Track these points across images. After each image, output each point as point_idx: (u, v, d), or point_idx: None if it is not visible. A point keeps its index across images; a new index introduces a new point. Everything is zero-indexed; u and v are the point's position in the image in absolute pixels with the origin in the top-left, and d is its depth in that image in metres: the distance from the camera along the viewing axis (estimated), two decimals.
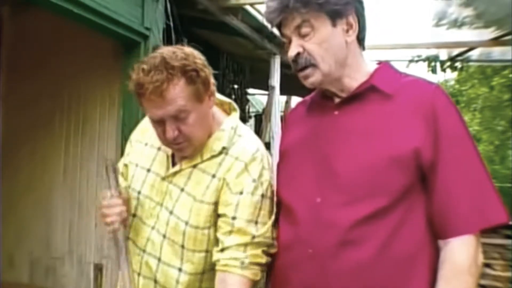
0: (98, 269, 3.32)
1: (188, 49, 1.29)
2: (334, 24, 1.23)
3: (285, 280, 1.25)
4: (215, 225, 1.31)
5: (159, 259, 1.33)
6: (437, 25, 4.55)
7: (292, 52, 1.25)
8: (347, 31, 1.25)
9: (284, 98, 6.76)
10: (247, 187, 1.29)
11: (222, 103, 1.45)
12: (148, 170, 1.41)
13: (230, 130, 1.36)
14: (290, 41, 1.27)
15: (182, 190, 1.33)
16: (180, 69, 1.22)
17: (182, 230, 1.31)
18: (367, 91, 1.25)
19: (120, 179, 1.42)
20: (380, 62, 1.33)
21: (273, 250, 1.31)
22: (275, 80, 4.72)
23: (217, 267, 1.28)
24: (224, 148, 1.33)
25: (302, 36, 1.24)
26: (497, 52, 5.29)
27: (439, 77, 5.94)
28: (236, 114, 1.42)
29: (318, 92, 1.36)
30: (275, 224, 1.33)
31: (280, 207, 1.34)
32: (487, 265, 3.88)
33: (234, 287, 1.25)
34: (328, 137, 1.26)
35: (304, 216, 1.23)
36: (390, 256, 1.14)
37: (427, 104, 1.18)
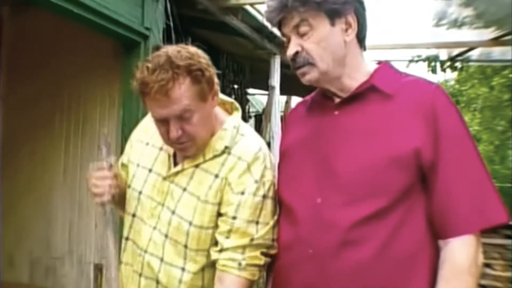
0: (98, 269, 3.32)
1: (193, 49, 1.29)
2: (332, 24, 1.23)
3: (286, 280, 1.25)
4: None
5: (162, 259, 1.33)
6: (437, 25, 4.54)
7: (290, 51, 1.26)
8: (346, 30, 1.25)
9: (284, 98, 6.76)
10: (249, 188, 1.29)
11: (224, 103, 1.45)
12: (150, 170, 1.41)
13: (233, 130, 1.35)
14: (289, 40, 1.27)
15: (185, 190, 1.33)
16: (186, 68, 1.22)
17: (186, 230, 1.30)
18: (367, 91, 1.25)
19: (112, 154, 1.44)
20: (380, 62, 1.33)
21: (272, 251, 1.31)
22: (275, 80, 4.72)
23: (216, 266, 1.29)
24: (226, 147, 1.33)
25: (301, 35, 1.24)
26: (497, 52, 5.29)
27: (439, 77, 5.94)
28: (238, 114, 1.42)
29: (318, 92, 1.36)
30: (276, 226, 1.33)
31: (281, 207, 1.33)
32: (487, 265, 3.88)
33: (231, 286, 1.26)
34: (328, 137, 1.26)
35: (304, 216, 1.23)
36: (390, 256, 1.14)
37: (427, 104, 1.18)
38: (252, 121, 6.83)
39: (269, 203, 1.32)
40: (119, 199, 1.47)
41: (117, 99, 3.27)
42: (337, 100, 1.29)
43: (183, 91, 1.22)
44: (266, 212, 1.31)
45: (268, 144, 4.62)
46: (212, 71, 1.30)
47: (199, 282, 1.33)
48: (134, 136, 1.54)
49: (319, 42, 1.23)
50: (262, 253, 1.30)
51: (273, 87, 4.72)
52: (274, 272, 1.31)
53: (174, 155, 1.39)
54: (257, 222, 1.29)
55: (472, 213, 1.14)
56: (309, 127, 1.33)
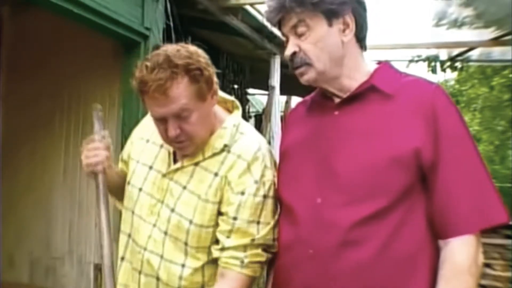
0: (98, 269, 3.32)
1: (192, 48, 1.29)
2: (330, 24, 1.23)
3: (286, 280, 1.25)
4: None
5: (162, 256, 1.33)
6: (437, 25, 4.54)
7: (288, 51, 1.27)
8: (344, 30, 1.25)
9: (284, 98, 6.76)
10: (249, 188, 1.29)
11: (225, 101, 1.45)
12: (150, 168, 1.41)
13: (232, 128, 1.35)
14: (288, 40, 1.28)
15: (184, 188, 1.33)
16: (184, 67, 1.22)
17: (186, 228, 1.30)
18: (367, 91, 1.25)
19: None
20: (380, 62, 1.33)
21: (273, 250, 1.31)
22: (275, 80, 4.72)
23: (218, 263, 1.30)
24: (225, 145, 1.33)
25: (299, 36, 1.25)
26: (497, 52, 5.29)
27: (439, 77, 5.94)
28: (238, 112, 1.42)
29: (318, 92, 1.36)
30: (277, 225, 1.33)
31: (281, 207, 1.33)
32: (487, 265, 3.88)
33: (233, 282, 1.27)
34: (328, 137, 1.26)
35: (304, 216, 1.23)
36: (390, 256, 1.14)
37: (427, 104, 1.18)
38: (252, 121, 6.83)
39: (269, 203, 1.32)
40: (116, 190, 1.49)
41: (117, 99, 3.27)
42: (337, 100, 1.29)
43: (181, 90, 1.22)
44: (267, 212, 1.31)
45: (268, 144, 4.61)
46: (211, 70, 1.30)
47: (200, 278, 1.33)
48: (135, 134, 1.55)
49: (316, 43, 1.24)
50: (264, 250, 1.30)
51: (273, 87, 4.72)
52: (274, 272, 1.31)
53: (174, 153, 1.39)
54: (258, 222, 1.29)
55: (472, 213, 1.14)
56: (309, 127, 1.33)
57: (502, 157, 10.41)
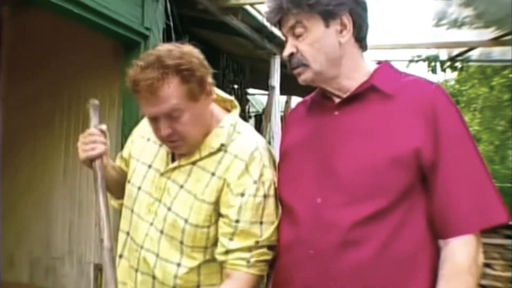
0: (98, 269, 3.32)
1: (187, 48, 1.29)
2: (327, 25, 1.24)
3: (286, 280, 1.25)
4: (215, 224, 1.31)
5: (157, 255, 1.33)
6: (437, 25, 4.55)
7: (285, 52, 1.28)
8: (341, 31, 1.25)
9: (284, 98, 6.76)
10: (248, 189, 1.29)
11: (224, 101, 1.45)
12: (149, 166, 1.42)
13: (229, 127, 1.35)
14: (287, 41, 1.29)
15: (181, 187, 1.33)
16: (174, 68, 1.23)
17: (181, 228, 1.30)
18: (367, 91, 1.25)
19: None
20: (380, 62, 1.33)
21: (277, 249, 1.31)
22: (275, 80, 4.72)
23: (224, 265, 1.30)
24: (222, 145, 1.32)
25: (296, 37, 1.26)
26: (497, 52, 5.30)
27: (439, 77, 5.94)
28: (236, 111, 1.42)
29: (318, 92, 1.36)
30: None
31: (281, 208, 1.33)
32: (487, 265, 3.88)
33: (240, 282, 1.27)
34: (329, 138, 1.26)
35: (304, 216, 1.23)
36: (390, 256, 1.15)
37: (427, 104, 1.18)
38: (252, 121, 6.83)
39: (271, 202, 1.32)
40: (111, 184, 1.48)
41: (117, 99, 3.27)
42: (337, 100, 1.29)
43: (171, 90, 1.23)
44: (269, 212, 1.31)
45: (268, 144, 4.61)
46: (205, 71, 1.29)
47: (195, 278, 1.33)
48: (136, 132, 1.55)
49: (312, 44, 1.24)
50: (269, 248, 1.30)
51: (273, 87, 4.72)
52: (274, 272, 1.31)
53: (173, 152, 1.39)
54: (261, 223, 1.29)
55: (472, 213, 1.14)
56: (309, 127, 1.33)
57: (502, 157, 10.41)
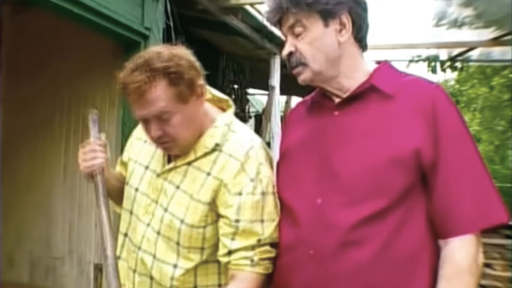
0: (98, 269, 3.32)
1: (177, 50, 1.29)
2: (326, 24, 1.24)
3: (287, 280, 1.25)
4: (211, 224, 1.31)
5: (154, 256, 1.33)
6: (437, 25, 4.55)
7: (284, 51, 1.29)
8: (340, 31, 1.25)
9: (284, 98, 6.76)
10: (246, 188, 1.28)
11: (220, 100, 1.45)
12: (146, 167, 1.42)
13: (224, 127, 1.35)
14: (287, 40, 1.29)
15: (178, 187, 1.33)
16: (162, 70, 1.23)
17: (177, 228, 1.30)
18: (367, 91, 1.25)
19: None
20: (380, 62, 1.33)
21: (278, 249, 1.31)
22: (275, 80, 4.72)
23: (228, 267, 1.29)
24: (217, 144, 1.32)
25: (296, 36, 1.26)
26: (497, 52, 5.30)
27: (439, 77, 5.94)
28: (231, 111, 1.42)
29: (318, 92, 1.36)
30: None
31: (281, 208, 1.33)
32: (487, 265, 3.88)
33: (245, 282, 1.27)
34: (329, 138, 1.26)
35: (305, 217, 1.22)
36: (391, 256, 1.14)
37: (427, 104, 1.18)
38: (252, 121, 6.83)
39: (270, 199, 1.31)
40: (114, 194, 1.49)
41: (117, 99, 3.27)
42: (337, 100, 1.29)
43: (159, 93, 1.23)
44: (269, 209, 1.30)
45: (268, 144, 4.62)
46: (194, 73, 1.28)
47: (192, 279, 1.32)
48: (134, 134, 1.56)
49: (312, 43, 1.24)
50: (271, 245, 1.29)
51: (273, 87, 4.72)
52: (275, 273, 1.31)
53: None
54: (262, 221, 1.28)
55: (472, 213, 1.14)
56: (309, 127, 1.33)
57: (502, 157, 10.39)
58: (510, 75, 8.39)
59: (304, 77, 1.28)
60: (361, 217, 1.15)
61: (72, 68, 3.56)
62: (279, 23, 1.30)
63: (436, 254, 1.17)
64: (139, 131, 1.53)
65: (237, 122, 1.40)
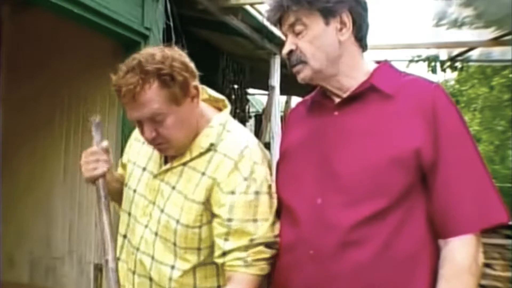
0: (98, 269, 3.32)
1: (170, 51, 1.29)
2: (327, 23, 1.24)
3: (287, 281, 1.25)
4: (206, 224, 1.31)
5: (153, 257, 1.33)
6: (437, 25, 4.55)
7: (285, 49, 1.29)
8: (341, 29, 1.25)
9: (284, 98, 6.76)
10: (239, 187, 1.27)
11: (216, 100, 1.45)
12: (144, 169, 1.42)
13: (219, 127, 1.35)
14: (287, 39, 1.29)
15: (174, 188, 1.33)
16: (154, 72, 1.23)
17: (174, 228, 1.30)
18: (367, 91, 1.25)
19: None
20: (380, 62, 1.33)
21: (277, 246, 1.29)
22: (275, 80, 4.73)
23: (224, 268, 1.29)
24: (212, 144, 1.32)
25: (296, 34, 1.26)
26: (497, 52, 5.30)
27: (439, 77, 5.94)
28: (227, 110, 1.41)
29: (318, 92, 1.36)
30: (276, 221, 1.32)
31: (281, 208, 1.33)
32: (487, 265, 3.88)
33: (240, 284, 1.26)
34: (329, 138, 1.26)
35: (305, 217, 1.22)
36: (391, 256, 1.14)
37: (427, 104, 1.18)
38: (252, 121, 6.83)
39: (264, 199, 1.29)
40: (116, 196, 1.50)
41: (117, 99, 3.25)
42: (337, 100, 1.29)
43: (151, 96, 1.23)
44: (263, 209, 1.29)
45: (268, 144, 4.62)
46: (188, 74, 1.28)
47: (191, 281, 1.32)
48: (133, 135, 1.56)
49: (312, 41, 1.24)
50: (266, 246, 1.28)
51: (273, 87, 4.72)
52: (275, 273, 1.31)
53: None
54: (255, 220, 1.27)
55: (472, 213, 1.14)
56: (309, 127, 1.33)
57: (502, 157, 10.39)
58: (510, 75, 8.39)
59: (303, 75, 1.28)
60: (361, 217, 1.15)
61: (72, 68, 3.55)
62: (279, 22, 1.30)
63: (436, 254, 1.17)
64: (137, 133, 1.53)
65: (232, 122, 1.40)
